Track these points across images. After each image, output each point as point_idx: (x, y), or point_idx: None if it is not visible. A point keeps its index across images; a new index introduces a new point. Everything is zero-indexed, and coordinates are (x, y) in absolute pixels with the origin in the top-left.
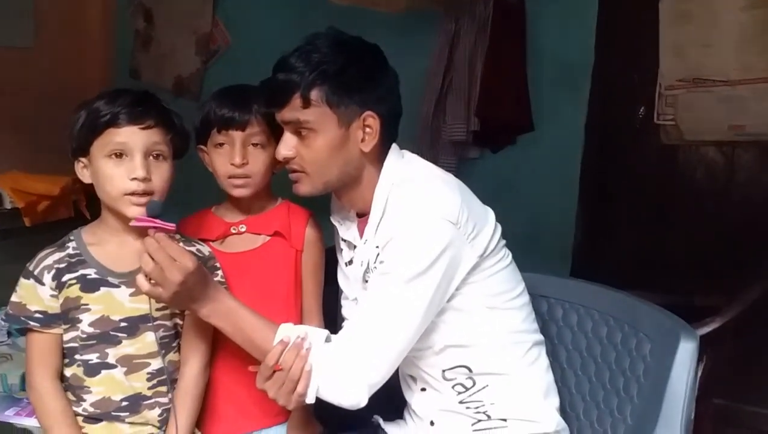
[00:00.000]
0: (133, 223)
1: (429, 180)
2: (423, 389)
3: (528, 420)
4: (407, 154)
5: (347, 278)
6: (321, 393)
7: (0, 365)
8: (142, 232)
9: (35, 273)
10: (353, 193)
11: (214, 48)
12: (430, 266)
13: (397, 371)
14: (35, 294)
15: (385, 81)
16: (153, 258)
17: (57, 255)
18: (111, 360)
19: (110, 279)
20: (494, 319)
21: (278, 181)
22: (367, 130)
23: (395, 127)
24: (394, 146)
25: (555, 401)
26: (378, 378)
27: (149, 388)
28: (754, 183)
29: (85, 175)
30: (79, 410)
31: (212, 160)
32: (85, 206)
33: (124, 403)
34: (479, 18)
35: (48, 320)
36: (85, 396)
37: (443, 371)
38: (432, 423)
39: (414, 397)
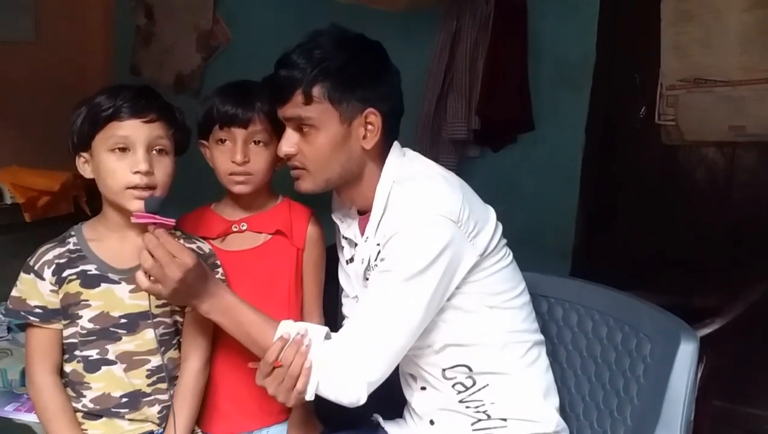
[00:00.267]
0: (132, 220)
1: (430, 177)
2: (423, 388)
3: (528, 419)
4: (409, 151)
5: (348, 276)
6: (320, 390)
7: (0, 360)
8: (142, 229)
9: (35, 268)
10: (354, 191)
11: (215, 45)
12: (430, 264)
13: (397, 370)
14: (35, 289)
15: (387, 78)
16: (152, 255)
17: (57, 251)
18: (111, 356)
19: (110, 275)
20: (495, 318)
21: (278, 179)
22: (369, 127)
23: (397, 125)
24: (396, 144)
25: (555, 401)
26: (377, 375)
27: (149, 385)
28: (754, 183)
29: (86, 170)
30: (79, 406)
31: (213, 155)
32: (86, 202)
33: (124, 400)
34: (480, 16)
35: (48, 315)
36: (84, 392)
37: (443, 370)
38: (432, 422)
39: (414, 396)
